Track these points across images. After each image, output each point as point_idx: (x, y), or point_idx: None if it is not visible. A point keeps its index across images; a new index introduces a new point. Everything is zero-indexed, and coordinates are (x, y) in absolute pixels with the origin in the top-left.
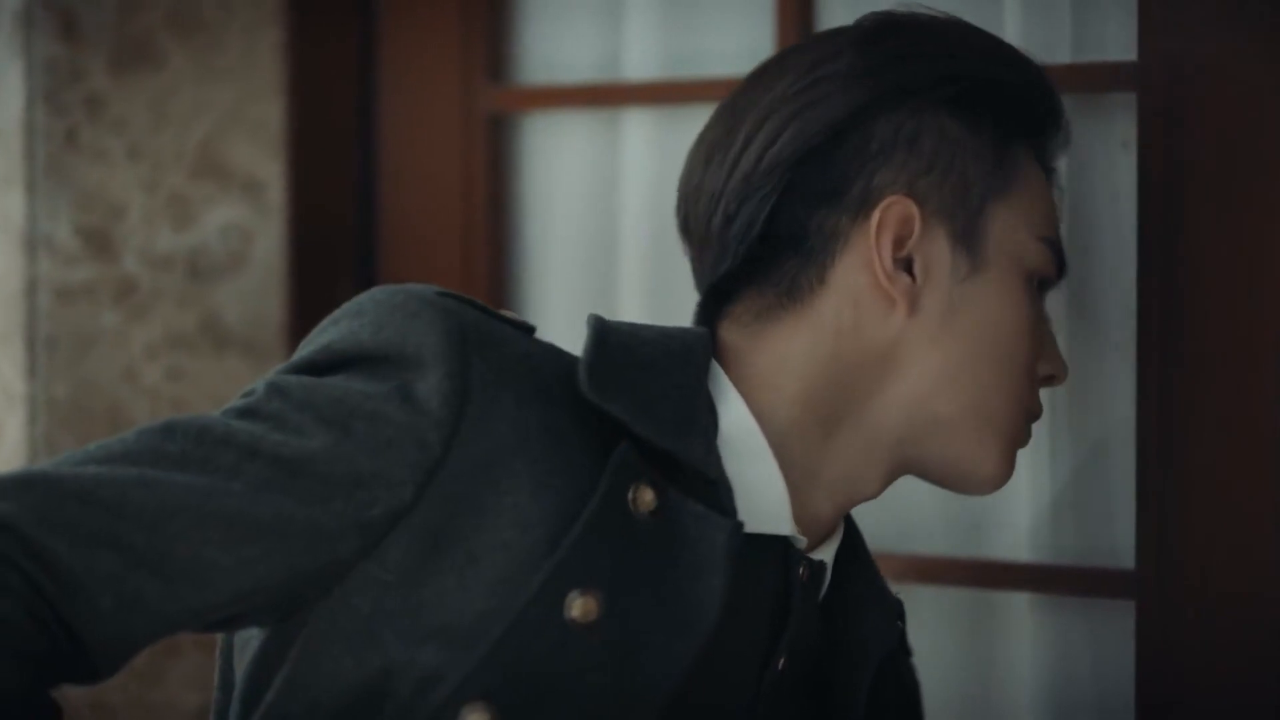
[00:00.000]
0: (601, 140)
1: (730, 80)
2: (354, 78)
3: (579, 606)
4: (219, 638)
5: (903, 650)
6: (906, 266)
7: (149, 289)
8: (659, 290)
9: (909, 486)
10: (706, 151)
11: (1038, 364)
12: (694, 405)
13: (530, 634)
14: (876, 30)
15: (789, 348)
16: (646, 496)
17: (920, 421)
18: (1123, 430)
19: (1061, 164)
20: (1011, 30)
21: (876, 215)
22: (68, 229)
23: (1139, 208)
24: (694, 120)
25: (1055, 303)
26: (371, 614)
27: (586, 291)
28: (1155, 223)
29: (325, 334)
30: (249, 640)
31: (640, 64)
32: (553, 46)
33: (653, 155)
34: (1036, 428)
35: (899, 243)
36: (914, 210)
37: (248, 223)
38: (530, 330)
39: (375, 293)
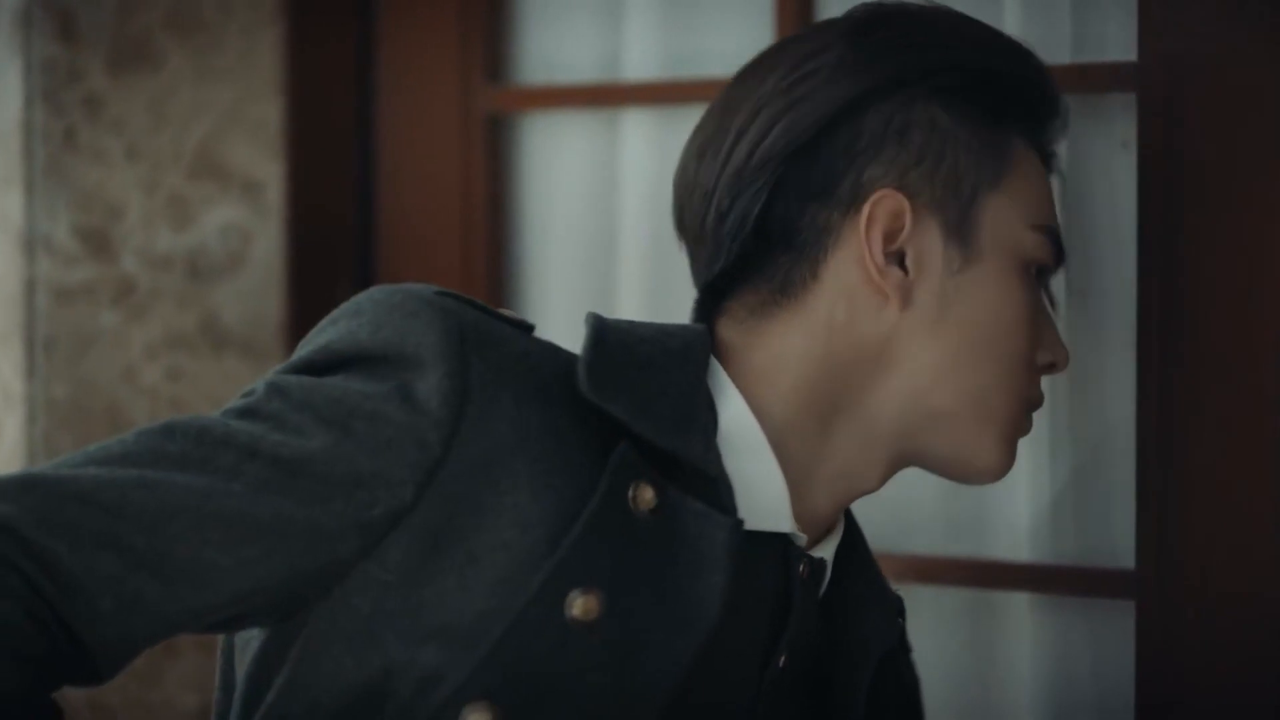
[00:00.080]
0: (601, 140)
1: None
2: (353, 78)
3: (580, 606)
4: (220, 638)
5: (903, 647)
6: (899, 260)
7: (148, 289)
8: (658, 290)
9: (909, 486)
10: (699, 147)
11: (1037, 352)
12: (693, 403)
13: (531, 634)
14: (866, 22)
15: (785, 344)
16: (646, 495)
17: (918, 415)
18: (1123, 430)
19: (1062, 149)
20: (1011, 30)
21: (866, 210)
22: (66, 229)
23: (1139, 208)
24: (693, 120)
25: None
26: (372, 614)
27: (586, 291)
28: (1155, 223)
29: (324, 334)
30: (250, 641)
31: (640, 64)
32: (552, 47)
33: (652, 155)
34: (1037, 427)
35: (890, 237)
36: (904, 204)
37: (247, 223)
38: (529, 329)
39: (374, 292)
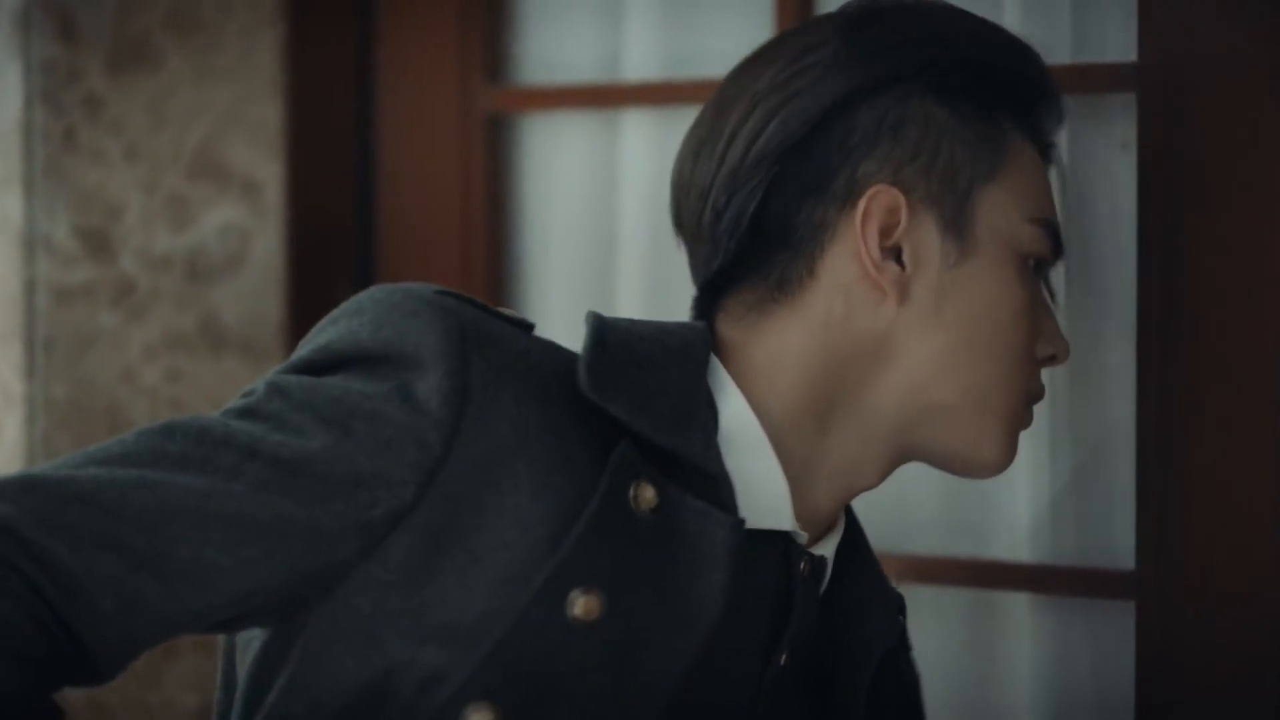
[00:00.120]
0: (601, 140)
1: None
2: (352, 78)
3: (581, 605)
4: (221, 639)
5: (903, 645)
6: (895, 255)
7: (147, 290)
8: (658, 290)
9: (909, 486)
10: (695, 145)
11: (1036, 345)
12: (693, 401)
13: (532, 633)
14: (860, 18)
15: (783, 341)
16: (647, 494)
17: (917, 410)
18: (1123, 430)
19: (1061, 139)
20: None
21: (862, 205)
22: (66, 229)
23: (1139, 208)
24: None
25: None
26: (373, 614)
27: (585, 291)
28: (1155, 223)
29: (324, 333)
30: (251, 641)
31: (639, 64)
32: (552, 47)
33: (652, 155)
34: (1037, 427)
35: (886, 232)
36: (899, 199)
37: (246, 223)
38: (529, 327)
39: (374, 292)
